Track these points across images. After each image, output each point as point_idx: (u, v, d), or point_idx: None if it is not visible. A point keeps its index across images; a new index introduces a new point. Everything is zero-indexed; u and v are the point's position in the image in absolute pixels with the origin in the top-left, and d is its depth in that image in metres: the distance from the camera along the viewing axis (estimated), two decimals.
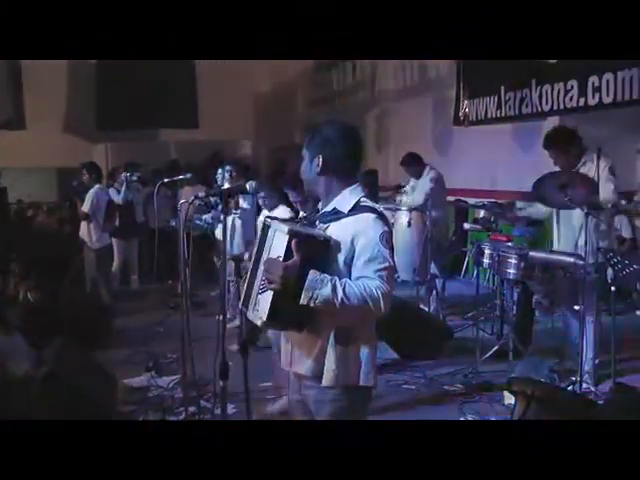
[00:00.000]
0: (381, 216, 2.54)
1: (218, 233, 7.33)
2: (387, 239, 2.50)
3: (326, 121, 2.71)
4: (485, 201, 7.72)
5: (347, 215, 2.54)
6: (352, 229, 2.50)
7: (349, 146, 2.62)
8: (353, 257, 2.49)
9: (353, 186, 2.61)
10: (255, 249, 2.71)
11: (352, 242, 2.48)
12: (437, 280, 7.46)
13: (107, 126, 14.15)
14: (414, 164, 7.59)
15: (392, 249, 2.52)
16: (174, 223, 7.78)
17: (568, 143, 5.15)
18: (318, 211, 2.70)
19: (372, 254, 2.46)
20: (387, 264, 2.47)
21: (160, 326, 7.00)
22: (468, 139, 9.84)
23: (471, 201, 8.57)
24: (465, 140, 9.93)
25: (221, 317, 3.03)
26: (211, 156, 12.48)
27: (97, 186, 7.73)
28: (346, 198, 2.59)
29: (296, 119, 15.24)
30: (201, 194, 3.46)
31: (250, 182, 3.08)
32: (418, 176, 7.56)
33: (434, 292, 7.35)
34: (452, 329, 6.52)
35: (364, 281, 2.43)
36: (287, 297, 2.40)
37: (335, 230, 2.54)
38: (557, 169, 5.21)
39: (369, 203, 2.58)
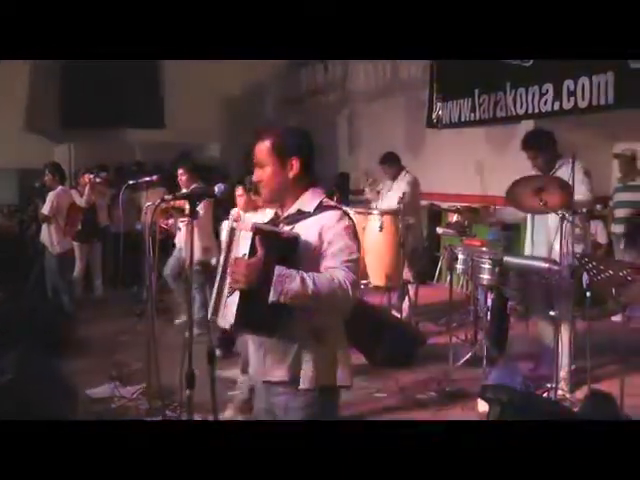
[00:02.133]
0: (344, 212, 2.63)
1: (177, 240, 7.32)
2: (352, 232, 2.58)
3: (284, 127, 2.80)
4: (458, 205, 7.76)
5: (312, 215, 2.61)
6: (318, 225, 2.56)
7: (314, 149, 2.71)
8: (321, 252, 2.54)
9: (314, 188, 2.69)
10: (222, 255, 2.71)
11: (319, 237, 2.54)
12: (410, 286, 7.48)
13: (73, 124, 13.99)
14: (393, 164, 7.59)
15: (358, 242, 2.60)
16: (140, 227, 7.69)
17: (547, 144, 5.23)
18: (279, 216, 2.73)
19: (339, 246, 2.52)
20: (354, 255, 2.54)
21: (125, 334, 6.92)
22: (441, 142, 9.91)
23: (444, 205, 8.63)
24: (438, 143, 10.00)
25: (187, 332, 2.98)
26: (178, 157, 12.38)
27: (59, 187, 7.63)
28: (309, 199, 2.65)
29: (267, 120, 15.22)
30: (167, 197, 3.41)
31: (219, 185, 3.05)
32: (394, 178, 7.58)
33: (406, 298, 7.37)
34: (425, 335, 6.53)
35: (332, 271, 2.48)
36: (255, 299, 2.41)
37: (301, 229, 2.59)
38: (533, 173, 5.26)
39: (331, 203, 2.69)
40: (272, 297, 2.39)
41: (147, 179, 6.03)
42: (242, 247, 2.51)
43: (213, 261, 6.74)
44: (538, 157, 5.24)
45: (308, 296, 2.40)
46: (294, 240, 2.52)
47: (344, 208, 2.69)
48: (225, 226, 2.79)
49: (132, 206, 9.20)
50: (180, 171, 7.30)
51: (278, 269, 2.40)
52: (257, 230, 2.46)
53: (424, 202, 8.45)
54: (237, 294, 2.44)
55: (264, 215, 3.73)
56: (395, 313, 7.16)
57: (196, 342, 2.81)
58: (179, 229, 7.15)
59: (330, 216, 2.58)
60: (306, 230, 2.57)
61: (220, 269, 2.67)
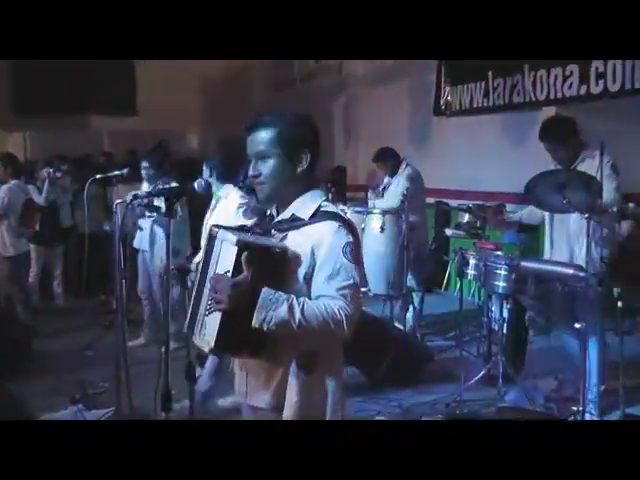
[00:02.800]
0: (345, 224, 2.54)
1: (137, 242, 7.26)
2: (352, 251, 2.49)
3: (288, 112, 2.68)
4: (470, 203, 7.75)
5: (308, 223, 2.55)
6: (312, 237, 2.51)
7: (320, 142, 2.66)
8: (313, 271, 2.49)
9: (313, 191, 2.64)
10: (201, 262, 2.70)
11: (312, 254, 2.49)
12: (414, 294, 7.48)
13: (27, 109, 13.88)
14: (388, 159, 7.61)
15: (358, 263, 2.52)
16: (108, 227, 7.66)
17: (568, 134, 5.20)
18: (272, 218, 2.69)
19: (334, 269, 2.46)
20: (351, 281, 2.47)
21: (90, 349, 6.89)
22: (450, 132, 9.92)
23: (454, 203, 8.62)
24: (447, 133, 10.01)
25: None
26: (153, 148, 12.34)
27: (12, 182, 7.58)
28: (306, 203, 2.60)
29: (253, 106, 15.20)
30: (141, 193, 3.41)
31: (199, 180, 3.05)
32: (393, 173, 7.58)
33: (411, 308, 7.37)
34: (432, 351, 6.53)
35: (325, 300, 2.43)
36: (238, 319, 2.39)
37: (294, 240, 2.54)
38: (553, 167, 5.26)
39: (331, 208, 2.60)
40: (255, 323, 2.37)
41: (116, 173, 6.01)
42: (225, 262, 2.47)
43: (193, 266, 6.72)
44: (559, 149, 5.23)
45: (294, 326, 2.37)
46: (283, 255, 2.48)
47: (346, 214, 2.64)
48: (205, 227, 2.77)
49: (99, 204, 9.19)
50: (144, 164, 7.16)
51: (265, 292, 2.37)
52: (243, 245, 2.41)
53: (431, 200, 8.45)
54: (217, 314, 2.43)
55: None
56: (398, 325, 7.16)
57: (173, 358, 2.80)
58: (140, 229, 7.09)
59: (327, 228, 2.51)
60: (299, 241, 2.52)
61: (197, 280, 2.67)
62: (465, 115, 9.22)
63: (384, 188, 7.69)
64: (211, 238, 2.64)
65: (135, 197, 3.37)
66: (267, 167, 2.58)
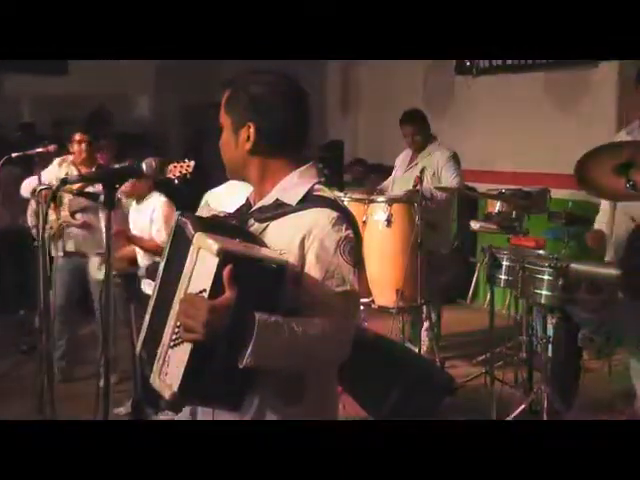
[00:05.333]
0: (344, 213, 2.58)
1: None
2: (350, 249, 2.52)
3: (252, 71, 2.73)
4: (503, 188, 7.78)
5: (295, 210, 2.57)
6: (300, 230, 2.52)
7: (293, 107, 2.67)
8: (300, 271, 2.49)
9: (303, 167, 2.67)
10: (161, 269, 2.69)
11: (300, 249, 2.50)
12: (431, 306, 7.48)
13: None
14: (422, 128, 7.62)
15: (357, 263, 2.55)
16: (29, 222, 7.62)
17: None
18: (250, 205, 2.72)
19: (327, 271, 2.47)
20: (347, 287, 2.49)
21: (5, 379, 6.89)
22: (477, 96, 9.93)
23: (482, 188, 8.64)
24: (473, 97, 10.02)
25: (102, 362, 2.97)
26: (89, 118, 12.29)
27: None
28: (293, 185, 2.63)
29: (220, 67, 15.13)
30: (72, 177, 3.39)
31: (148, 161, 3.03)
32: (418, 149, 7.58)
33: (426, 324, 7.38)
34: (454, 380, 6.53)
35: (324, 311, 2.43)
36: (214, 354, 2.31)
37: (277, 231, 2.56)
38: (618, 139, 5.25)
39: (326, 193, 2.64)
40: (247, 359, 2.28)
41: (40, 150, 5.98)
42: (201, 276, 2.37)
43: (141, 271, 6.71)
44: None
45: (296, 355, 2.37)
46: (280, 271, 2.40)
47: (344, 202, 2.64)
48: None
49: (15, 190, 9.13)
50: (78, 138, 7.05)
51: (260, 319, 2.29)
52: (227, 256, 2.31)
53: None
54: (187, 346, 2.32)
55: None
56: (410, 346, 7.15)
57: (116, 392, 2.79)
58: (66, 224, 7.00)
59: (321, 218, 2.53)
60: (284, 234, 2.54)
61: (156, 293, 2.66)
62: (497, 74, 9.21)
63: (407, 168, 7.67)
64: (178, 234, 2.60)
65: (64, 182, 3.33)
66: (222, 138, 2.73)
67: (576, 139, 6.52)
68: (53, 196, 3.92)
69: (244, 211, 2.74)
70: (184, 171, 5.74)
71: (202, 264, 2.37)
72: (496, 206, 7.21)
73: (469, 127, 9.89)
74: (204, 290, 2.31)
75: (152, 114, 15.88)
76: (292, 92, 2.69)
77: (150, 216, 6.18)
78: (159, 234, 6.01)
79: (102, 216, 6.33)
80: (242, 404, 2.47)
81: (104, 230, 3.11)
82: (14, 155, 5.51)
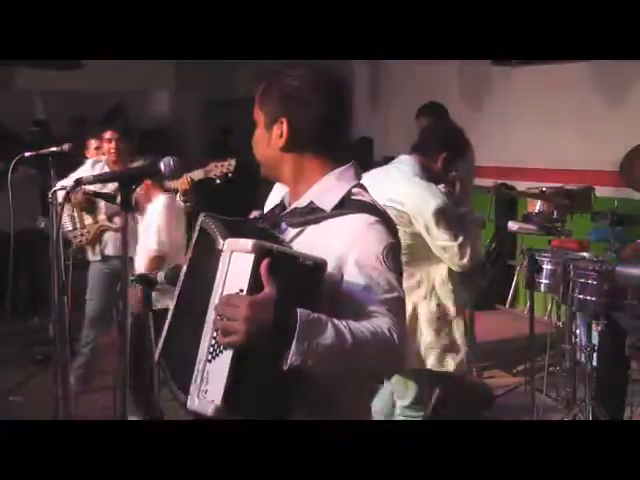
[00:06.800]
0: (382, 217, 2.56)
1: None
2: (393, 256, 2.49)
3: (289, 63, 2.71)
4: (543, 186, 7.72)
5: (330, 216, 2.54)
6: (339, 237, 2.48)
7: (329, 101, 2.62)
8: (343, 280, 2.44)
9: (342, 168, 2.64)
10: (183, 275, 2.69)
11: (339, 258, 2.45)
12: (466, 311, 7.40)
13: None
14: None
15: (401, 272, 2.55)
16: (43, 224, 7.60)
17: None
18: (284, 208, 2.71)
19: (371, 278, 2.42)
20: (395, 294, 2.45)
21: (17, 393, 6.85)
22: (516, 87, 9.86)
23: (521, 186, 8.58)
24: (511, 89, 9.94)
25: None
26: (108, 115, 12.30)
27: None
28: (330, 188, 2.60)
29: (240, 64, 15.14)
30: (86, 177, 3.33)
31: (165, 160, 2.97)
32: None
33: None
34: (491, 392, 6.47)
35: (372, 318, 2.36)
36: (257, 360, 2.26)
37: (313, 238, 2.53)
38: None
39: (366, 197, 2.61)
40: (292, 358, 2.22)
41: (54, 149, 5.93)
42: (235, 279, 2.33)
43: (160, 277, 6.65)
44: None
45: (343, 356, 2.28)
46: (318, 269, 2.37)
47: (381, 205, 2.62)
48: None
49: (31, 191, 9.14)
50: (108, 135, 6.99)
51: (301, 314, 2.23)
52: (263, 251, 2.28)
53: (488, 182, 8.39)
54: (227, 356, 2.25)
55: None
56: None
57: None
58: (104, 227, 6.97)
59: (360, 224, 2.50)
60: (320, 240, 2.50)
61: (175, 303, 2.66)
62: (537, 64, 9.12)
63: None
64: (202, 238, 2.59)
65: (78, 182, 3.28)
66: (255, 135, 2.74)
67: (623, 134, 6.42)
68: (67, 197, 3.88)
69: (277, 213, 2.72)
70: (225, 170, 5.72)
71: (236, 266, 2.33)
72: (536, 206, 7.21)
73: (507, 121, 9.84)
74: (241, 290, 2.28)
75: (171, 110, 15.92)
76: (329, 85, 2.65)
77: (150, 219, 6.09)
78: (153, 239, 5.91)
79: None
80: (290, 415, 2.40)
81: (122, 233, 3.07)
82: (27, 154, 5.46)
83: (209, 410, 2.27)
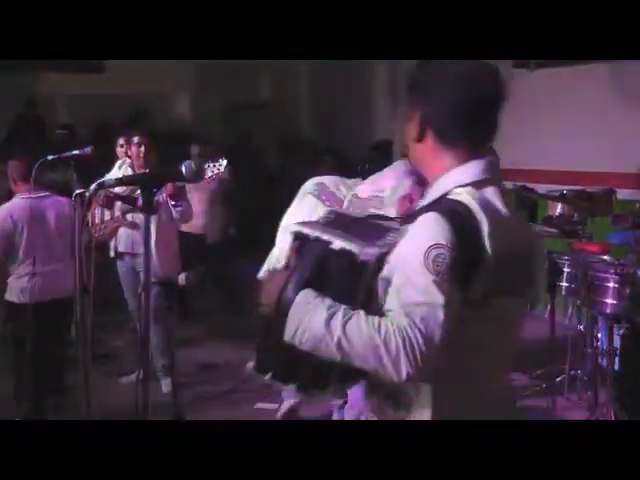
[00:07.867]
0: (451, 219, 2.34)
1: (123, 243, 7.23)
2: (439, 257, 2.28)
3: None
4: (564, 189, 7.72)
5: (417, 213, 2.44)
6: (405, 236, 2.41)
7: (465, 91, 2.54)
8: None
9: (467, 164, 2.53)
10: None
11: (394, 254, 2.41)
12: None
13: None
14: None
15: (444, 273, 2.29)
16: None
17: None
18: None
19: (407, 275, 2.31)
20: (429, 298, 2.26)
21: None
22: (536, 89, 9.85)
23: (541, 189, 8.58)
24: (531, 91, 9.95)
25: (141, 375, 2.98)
26: (131, 118, 12.34)
27: None
28: (445, 181, 2.50)
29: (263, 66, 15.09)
30: (108, 180, 3.40)
31: (185, 163, 3.03)
32: None
33: None
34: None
35: (390, 316, 2.28)
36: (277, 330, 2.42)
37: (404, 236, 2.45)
38: None
39: (461, 196, 2.43)
40: (287, 335, 2.36)
41: (76, 152, 5.99)
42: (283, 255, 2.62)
43: (181, 279, 6.74)
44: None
45: (331, 349, 2.30)
46: (347, 256, 2.39)
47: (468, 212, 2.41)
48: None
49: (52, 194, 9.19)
50: (137, 140, 7.09)
51: (303, 293, 2.36)
52: (297, 234, 2.54)
53: (508, 184, 8.39)
54: (261, 324, 2.57)
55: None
56: None
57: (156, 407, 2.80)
58: (118, 224, 7.05)
59: (421, 220, 2.37)
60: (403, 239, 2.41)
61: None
62: (556, 66, 9.13)
63: None
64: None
65: (100, 186, 3.34)
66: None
67: None
68: (89, 200, 3.92)
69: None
70: (216, 170, 5.74)
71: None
72: (557, 208, 7.20)
73: (527, 122, 9.82)
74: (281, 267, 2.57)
75: (193, 113, 15.90)
76: (467, 73, 2.53)
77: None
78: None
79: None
80: (328, 387, 2.55)
81: (144, 235, 3.11)
82: (50, 158, 5.52)
83: (247, 367, 2.61)
